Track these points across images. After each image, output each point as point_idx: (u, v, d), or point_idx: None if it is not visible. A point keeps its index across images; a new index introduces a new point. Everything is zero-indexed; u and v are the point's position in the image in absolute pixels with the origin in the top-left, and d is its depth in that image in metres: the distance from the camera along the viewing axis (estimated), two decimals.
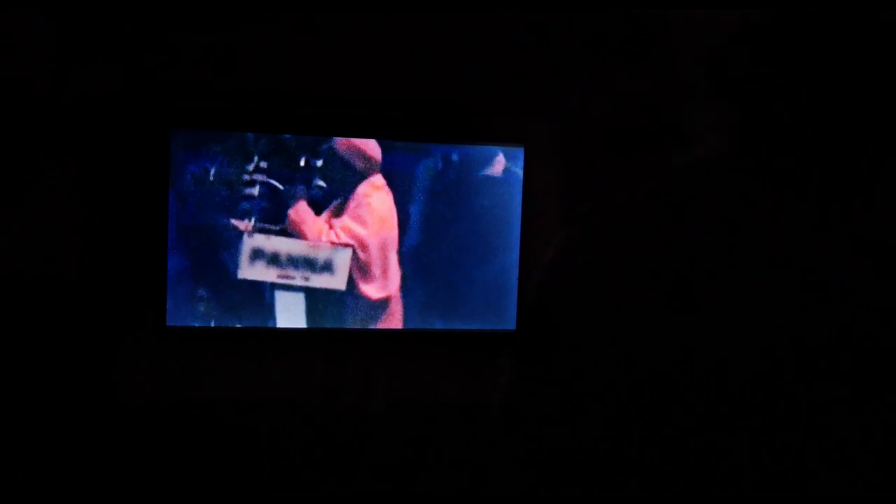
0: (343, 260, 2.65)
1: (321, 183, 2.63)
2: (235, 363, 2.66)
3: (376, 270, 2.68)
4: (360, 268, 2.67)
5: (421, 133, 2.69)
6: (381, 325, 2.68)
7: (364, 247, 2.67)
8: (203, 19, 2.59)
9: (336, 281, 2.65)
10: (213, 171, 2.57)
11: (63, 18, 2.48)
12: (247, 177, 2.59)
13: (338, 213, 2.64)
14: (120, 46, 2.52)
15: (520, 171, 2.72)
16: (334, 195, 2.64)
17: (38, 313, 2.50)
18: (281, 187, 2.60)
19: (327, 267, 2.64)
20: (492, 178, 2.72)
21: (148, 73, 2.55)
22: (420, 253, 2.69)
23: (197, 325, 2.59)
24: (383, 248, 2.68)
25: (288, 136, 2.60)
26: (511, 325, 2.74)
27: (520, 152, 2.72)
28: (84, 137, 2.51)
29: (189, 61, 2.58)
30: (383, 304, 2.68)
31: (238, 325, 2.61)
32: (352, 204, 2.65)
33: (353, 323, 2.66)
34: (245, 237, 2.59)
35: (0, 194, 2.46)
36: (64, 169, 2.50)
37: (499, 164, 2.72)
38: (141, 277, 2.58)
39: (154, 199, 2.55)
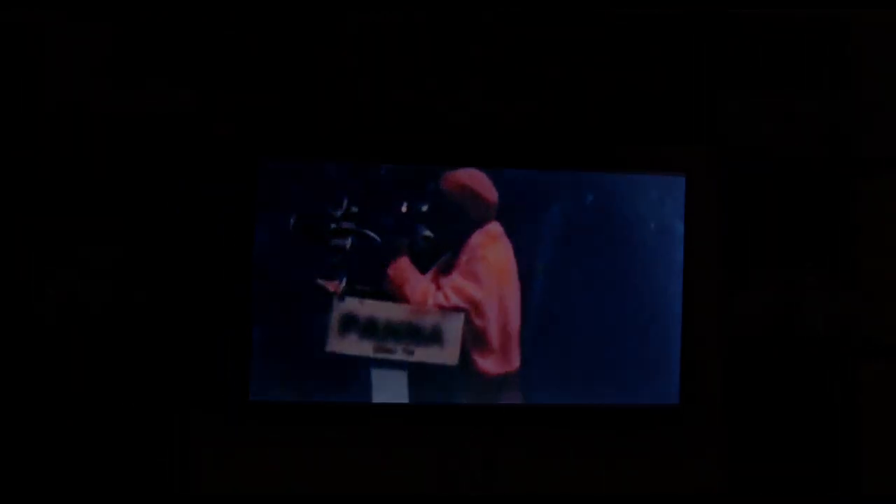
0: (454, 328, 2.13)
1: (427, 233, 2.12)
2: (330, 446, 2.16)
3: (494, 339, 2.15)
4: (474, 337, 2.14)
5: (556, 159, 2.20)
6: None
7: (479, 311, 2.14)
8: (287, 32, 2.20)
9: (446, 354, 2.13)
10: (293, 219, 2.07)
11: (132, 36, 2.15)
12: (335, 225, 2.09)
13: (447, 269, 2.14)
14: (196, 65, 2.15)
15: (672, 217, 2.19)
16: (442, 247, 2.13)
17: (98, 388, 2.11)
18: (377, 239, 2.10)
19: (435, 337, 2.12)
20: (637, 223, 2.18)
21: (230, 94, 2.15)
22: (548, 316, 2.16)
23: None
24: (503, 312, 2.15)
25: (384, 172, 2.10)
26: (673, 399, 2.20)
27: (672, 192, 2.19)
28: (151, 173, 2.13)
29: (278, 81, 2.16)
30: (505, 380, 2.15)
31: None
32: (464, 258, 2.14)
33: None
34: (334, 301, 2.08)
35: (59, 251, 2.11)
36: (126, 217, 2.12)
37: (645, 205, 2.18)
38: (219, 342, 2.12)
39: (236, 248, 2.10)
